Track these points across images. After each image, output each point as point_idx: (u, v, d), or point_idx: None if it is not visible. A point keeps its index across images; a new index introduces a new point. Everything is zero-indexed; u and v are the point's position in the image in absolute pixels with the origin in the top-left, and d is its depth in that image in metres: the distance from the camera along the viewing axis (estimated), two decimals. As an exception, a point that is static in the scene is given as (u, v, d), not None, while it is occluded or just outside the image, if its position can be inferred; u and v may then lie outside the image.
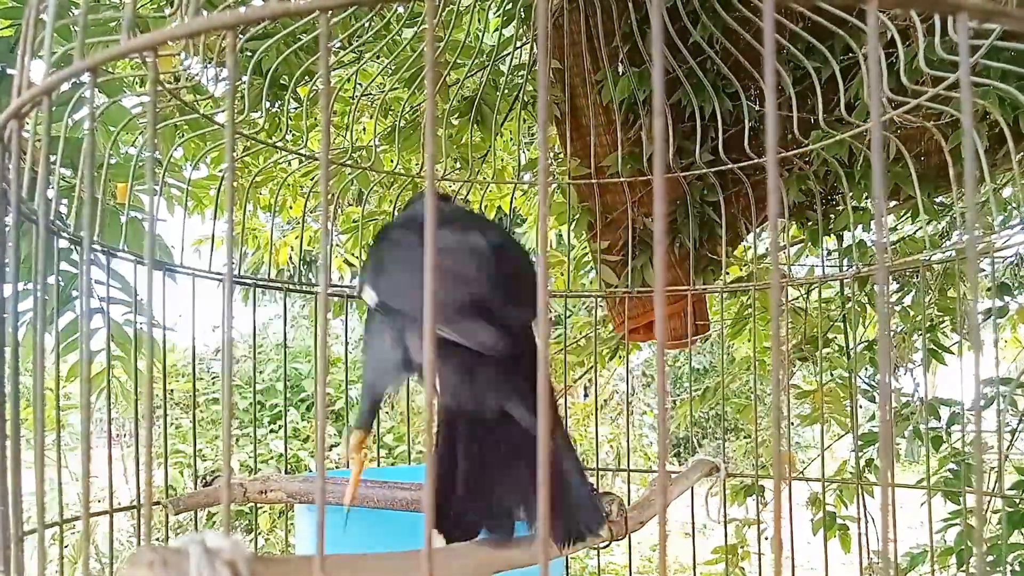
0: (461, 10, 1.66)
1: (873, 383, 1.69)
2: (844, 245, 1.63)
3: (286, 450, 1.80)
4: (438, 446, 0.76)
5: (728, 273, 1.67)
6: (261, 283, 1.47)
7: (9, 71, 1.25)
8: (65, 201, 1.19)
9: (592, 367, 2.00)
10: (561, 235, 1.93)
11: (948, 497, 1.43)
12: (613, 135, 1.64)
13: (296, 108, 1.66)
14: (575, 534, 0.73)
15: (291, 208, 2.21)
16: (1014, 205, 1.67)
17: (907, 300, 1.78)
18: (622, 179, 1.57)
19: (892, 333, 1.73)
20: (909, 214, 1.63)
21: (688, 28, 1.47)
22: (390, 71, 1.67)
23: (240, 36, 1.27)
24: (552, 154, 1.77)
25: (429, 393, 0.38)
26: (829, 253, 1.69)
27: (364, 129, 2.11)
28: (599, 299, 1.72)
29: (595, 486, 0.93)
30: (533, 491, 0.68)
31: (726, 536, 1.58)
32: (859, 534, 1.51)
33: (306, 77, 1.49)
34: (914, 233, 1.88)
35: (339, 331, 2.74)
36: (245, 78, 1.40)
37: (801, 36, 1.34)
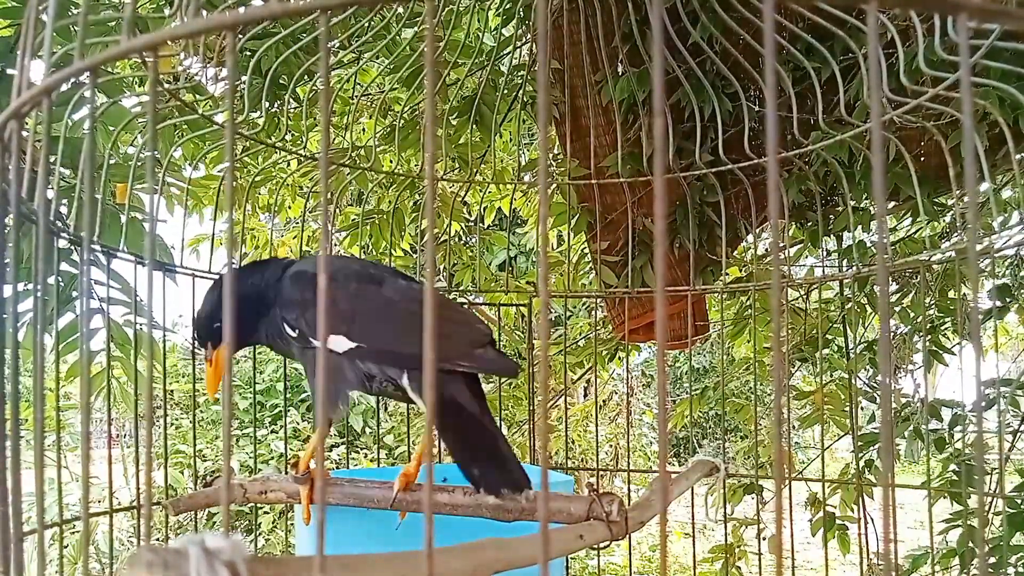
0: (461, 10, 1.66)
1: (873, 383, 1.68)
2: (843, 246, 1.63)
3: (286, 450, 1.80)
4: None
5: (727, 274, 1.67)
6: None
7: (9, 71, 1.25)
8: (65, 201, 1.19)
9: (591, 368, 2.00)
10: (561, 236, 1.93)
11: (951, 498, 1.42)
12: (613, 136, 1.64)
13: (295, 108, 1.66)
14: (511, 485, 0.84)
15: (290, 208, 2.21)
16: (1014, 205, 1.67)
17: (906, 301, 1.77)
18: (622, 179, 1.57)
19: (892, 334, 1.73)
20: (909, 215, 1.63)
21: (688, 28, 1.47)
22: (389, 71, 1.67)
23: (240, 36, 1.27)
24: (552, 155, 1.77)
25: (429, 396, 0.38)
26: (828, 254, 1.69)
27: (364, 129, 2.11)
28: (599, 299, 1.72)
29: (595, 485, 0.95)
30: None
31: (726, 536, 1.58)
32: (859, 535, 1.51)
33: (305, 77, 1.49)
34: (914, 234, 1.88)
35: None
36: (245, 78, 1.40)
37: (801, 37, 1.34)
